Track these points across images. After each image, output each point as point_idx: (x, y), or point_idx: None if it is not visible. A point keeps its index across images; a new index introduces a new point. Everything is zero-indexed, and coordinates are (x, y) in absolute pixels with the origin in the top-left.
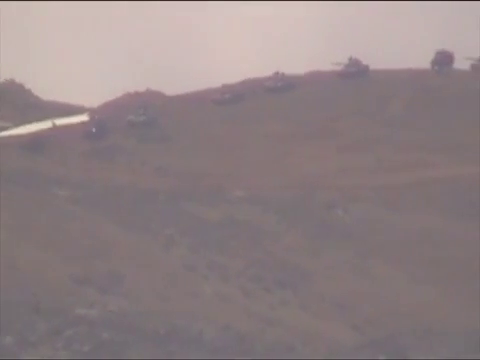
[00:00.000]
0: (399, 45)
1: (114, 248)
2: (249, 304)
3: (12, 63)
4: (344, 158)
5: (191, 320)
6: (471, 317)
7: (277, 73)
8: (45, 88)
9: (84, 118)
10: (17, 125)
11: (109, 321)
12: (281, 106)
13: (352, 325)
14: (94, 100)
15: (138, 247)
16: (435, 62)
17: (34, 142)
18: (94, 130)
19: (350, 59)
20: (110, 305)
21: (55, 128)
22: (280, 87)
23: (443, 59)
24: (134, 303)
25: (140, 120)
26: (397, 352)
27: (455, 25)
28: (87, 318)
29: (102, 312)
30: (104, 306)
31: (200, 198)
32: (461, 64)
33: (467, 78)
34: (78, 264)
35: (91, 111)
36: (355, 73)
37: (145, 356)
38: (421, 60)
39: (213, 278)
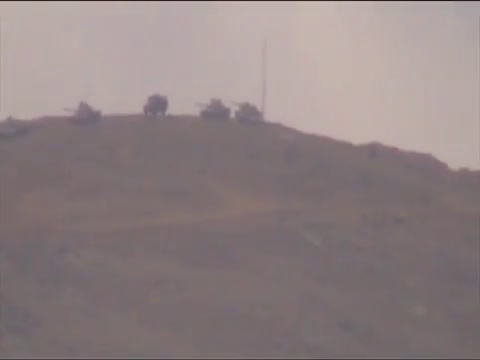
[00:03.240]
0: (129, 90)
1: None
2: None
3: None
4: (75, 204)
5: None
6: None
7: (10, 118)
8: None
9: None
10: None
11: None
12: (13, 152)
13: None
14: None
15: None
16: (148, 108)
17: None
18: None
19: (81, 104)
20: None
21: None
22: (12, 133)
23: (155, 104)
24: None
25: None
26: None
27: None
28: None
29: None
30: None
31: None
32: (191, 110)
33: (196, 124)
34: None
35: None
36: (87, 119)
37: None
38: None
39: None
